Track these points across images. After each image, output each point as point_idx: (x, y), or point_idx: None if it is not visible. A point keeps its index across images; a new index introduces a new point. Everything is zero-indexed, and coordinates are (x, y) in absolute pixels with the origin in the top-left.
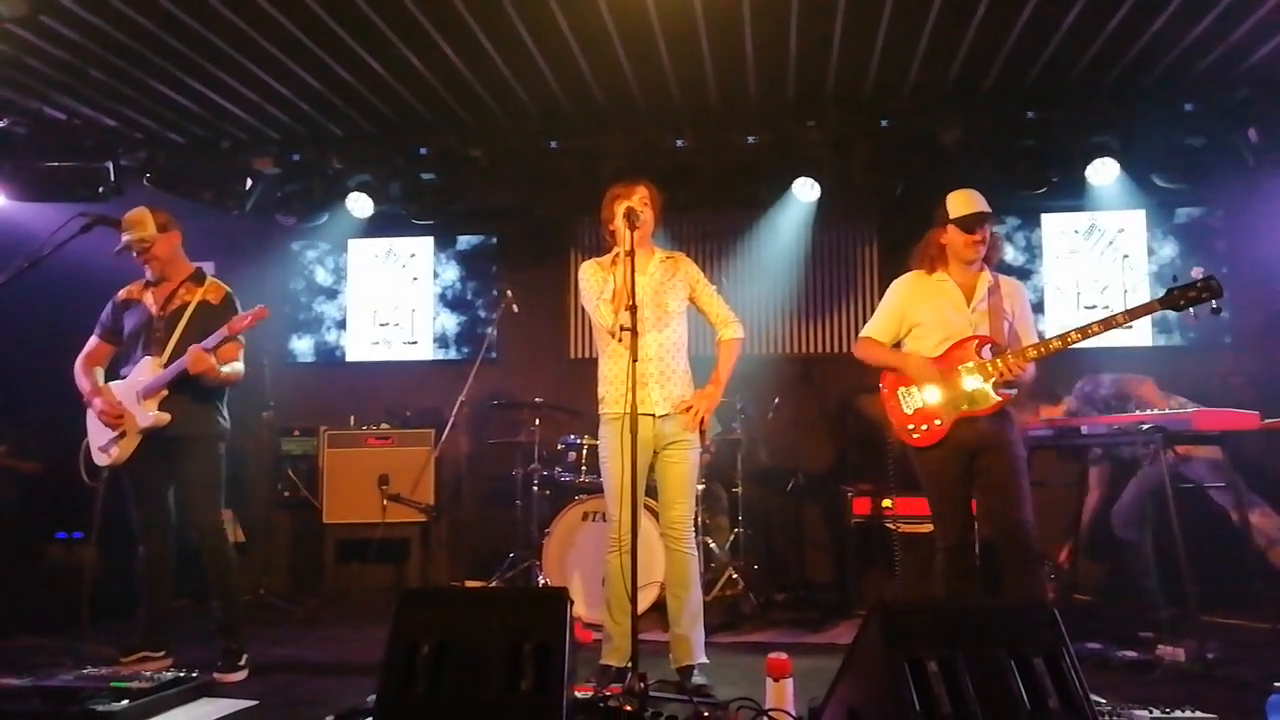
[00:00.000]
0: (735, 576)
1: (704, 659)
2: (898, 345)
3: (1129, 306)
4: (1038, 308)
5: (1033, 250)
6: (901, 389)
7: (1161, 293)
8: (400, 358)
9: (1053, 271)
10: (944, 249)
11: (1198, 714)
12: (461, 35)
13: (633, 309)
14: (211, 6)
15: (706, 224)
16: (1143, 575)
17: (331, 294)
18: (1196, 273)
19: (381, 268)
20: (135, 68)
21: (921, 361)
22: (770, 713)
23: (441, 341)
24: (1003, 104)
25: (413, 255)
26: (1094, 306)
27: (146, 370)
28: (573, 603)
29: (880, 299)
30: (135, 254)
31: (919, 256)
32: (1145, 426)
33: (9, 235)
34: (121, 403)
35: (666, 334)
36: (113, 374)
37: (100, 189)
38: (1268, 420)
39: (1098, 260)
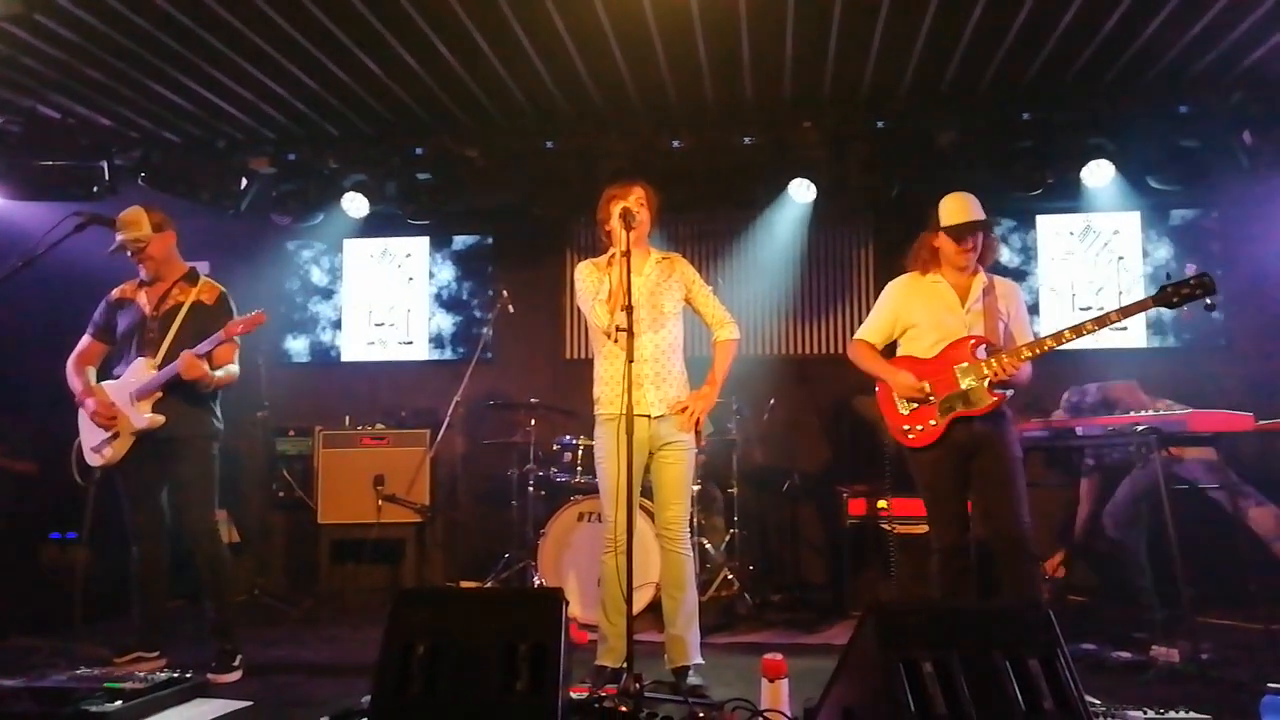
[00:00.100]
0: (731, 577)
1: (699, 660)
2: (892, 346)
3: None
4: (1033, 309)
5: (1028, 252)
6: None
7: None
8: (395, 358)
9: (1048, 273)
10: (937, 252)
11: (1192, 714)
12: (458, 35)
13: (629, 309)
14: (207, 6)
15: (702, 224)
16: (1137, 576)
17: (327, 294)
18: (1190, 269)
19: (377, 268)
20: (131, 67)
21: (907, 378)
22: (765, 713)
23: (437, 342)
24: (998, 106)
25: (408, 255)
26: (1089, 308)
27: (140, 371)
28: (568, 603)
29: (876, 300)
30: (130, 254)
31: (913, 258)
32: (1140, 428)
33: (3, 234)
34: (114, 403)
35: (662, 335)
36: (105, 373)
37: (95, 188)
38: (1262, 422)
39: (1093, 262)
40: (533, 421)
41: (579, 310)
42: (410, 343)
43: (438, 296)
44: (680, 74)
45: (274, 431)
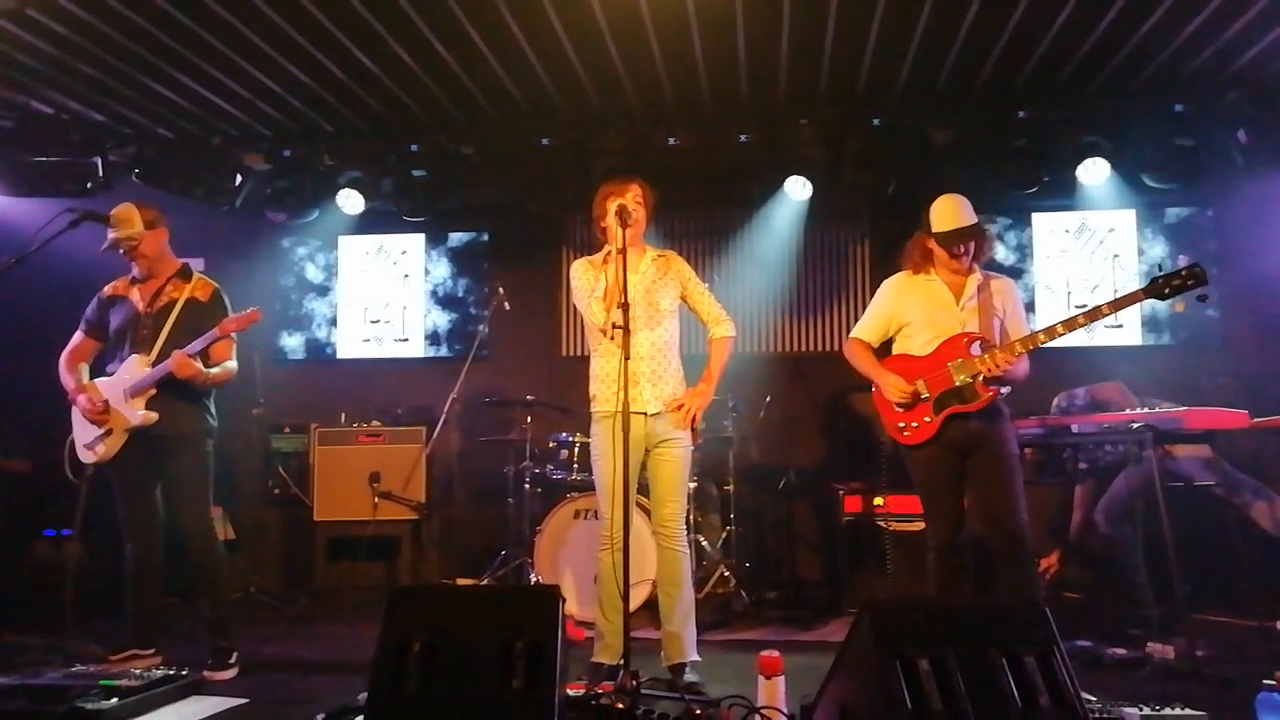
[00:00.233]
0: (727, 574)
1: (696, 657)
2: (888, 344)
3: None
4: (1029, 307)
5: (1023, 249)
6: None
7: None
8: (391, 355)
9: (1043, 271)
10: (931, 252)
11: (1187, 711)
12: (454, 32)
13: (624, 307)
14: (203, 2)
15: (698, 222)
16: (1132, 573)
17: (322, 291)
18: (1182, 261)
19: (372, 264)
20: (125, 63)
21: (895, 380)
22: (762, 710)
23: (433, 339)
24: (994, 103)
25: (404, 252)
26: (1084, 306)
27: (134, 368)
28: (564, 601)
29: (872, 297)
30: (121, 252)
31: (907, 258)
32: (1136, 425)
33: None
34: (107, 400)
35: (658, 332)
36: (99, 371)
37: (89, 184)
38: (1257, 419)
39: (1088, 259)
40: (529, 419)
41: (575, 307)
42: (406, 340)
43: (433, 294)
44: (676, 71)
45: (269, 428)
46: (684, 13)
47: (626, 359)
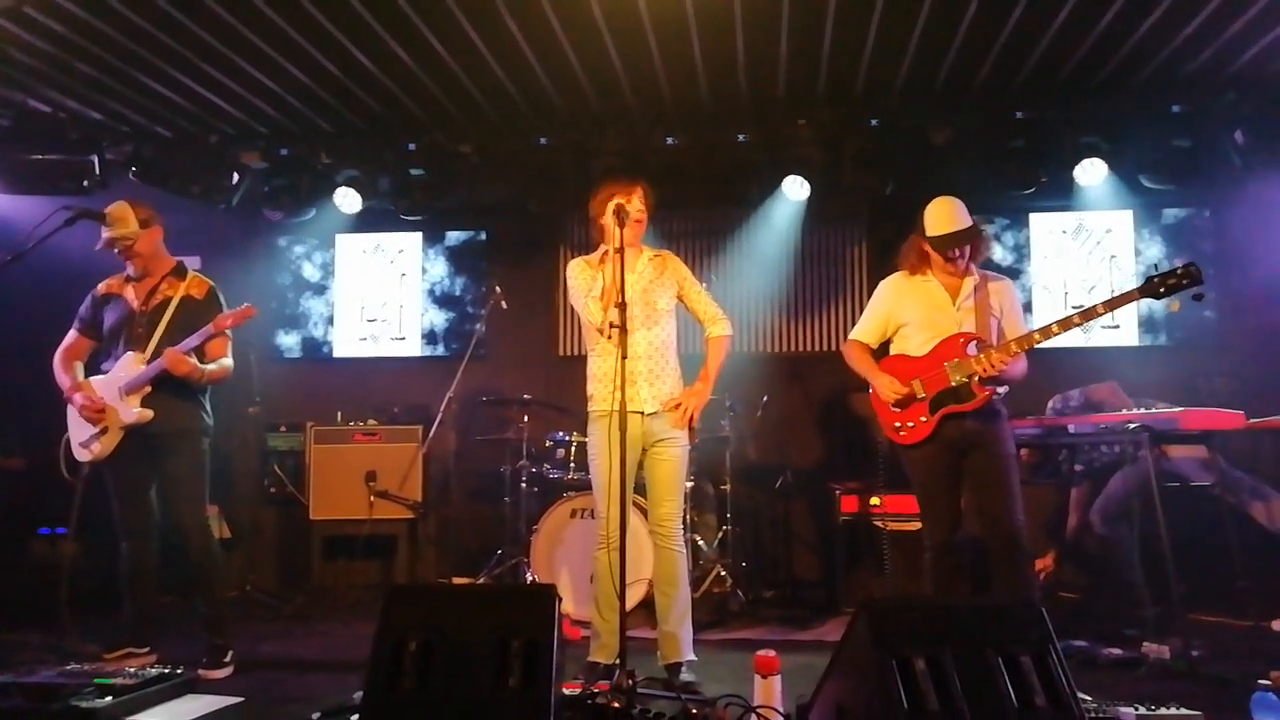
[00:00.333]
0: (723, 574)
1: (692, 656)
2: (886, 345)
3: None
4: (1026, 308)
5: (1021, 250)
6: None
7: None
8: (388, 354)
9: (1041, 271)
10: (926, 254)
11: (1183, 711)
12: (452, 31)
13: (622, 306)
14: (201, 1)
15: (696, 221)
16: (1128, 573)
17: (319, 289)
18: (1177, 261)
19: (369, 263)
20: (122, 61)
21: (888, 382)
22: (758, 710)
23: (430, 338)
24: (992, 104)
25: (401, 251)
26: (1081, 306)
27: (129, 365)
28: (561, 600)
29: (869, 297)
30: (116, 251)
31: (903, 259)
32: (1132, 425)
33: None
34: (103, 398)
35: (656, 332)
36: (94, 369)
37: (85, 182)
38: (1253, 420)
39: (1085, 260)
40: (525, 418)
41: (572, 307)
42: (403, 339)
43: (431, 292)
44: (675, 71)
45: (266, 427)
46: (683, 13)
47: (624, 358)
